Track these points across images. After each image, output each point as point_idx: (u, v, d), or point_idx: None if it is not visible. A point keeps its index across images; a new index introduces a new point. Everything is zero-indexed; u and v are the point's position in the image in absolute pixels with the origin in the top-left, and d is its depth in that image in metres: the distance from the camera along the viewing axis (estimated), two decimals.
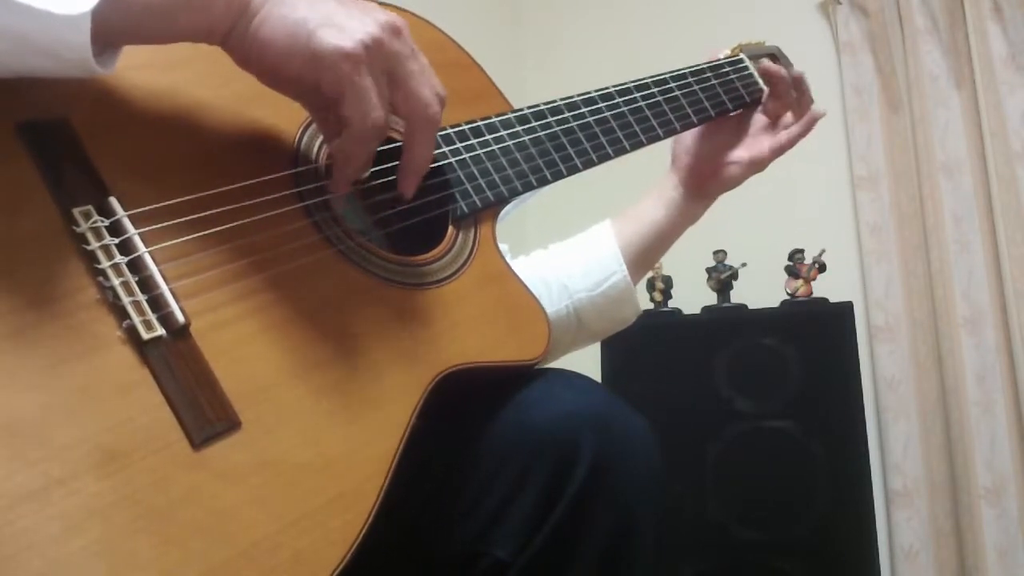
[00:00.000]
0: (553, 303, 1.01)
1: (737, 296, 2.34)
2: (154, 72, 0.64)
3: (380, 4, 0.82)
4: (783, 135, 1.01)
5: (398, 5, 0.83)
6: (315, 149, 0.72)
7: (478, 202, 0.79)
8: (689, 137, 1.04)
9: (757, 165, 1.01)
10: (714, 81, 1.02)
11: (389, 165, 0.72)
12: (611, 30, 2.99)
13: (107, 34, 0.56)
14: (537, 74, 3.01)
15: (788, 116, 1.05)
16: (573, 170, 0.87)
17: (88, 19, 0.52)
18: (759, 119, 1.04)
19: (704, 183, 1.03)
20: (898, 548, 2.35)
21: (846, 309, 2.20)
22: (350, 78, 0.60)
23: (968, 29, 2.48)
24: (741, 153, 1.02)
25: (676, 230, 1.05)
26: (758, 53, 1.10)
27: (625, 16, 2.99)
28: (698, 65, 1.03)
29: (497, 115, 0.84)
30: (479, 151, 0.81)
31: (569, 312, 1.02)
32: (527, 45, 3.12)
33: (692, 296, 2.36)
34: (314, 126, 0.72)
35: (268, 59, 0.61)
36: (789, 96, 1.03)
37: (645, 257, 1.05)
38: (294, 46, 0.60)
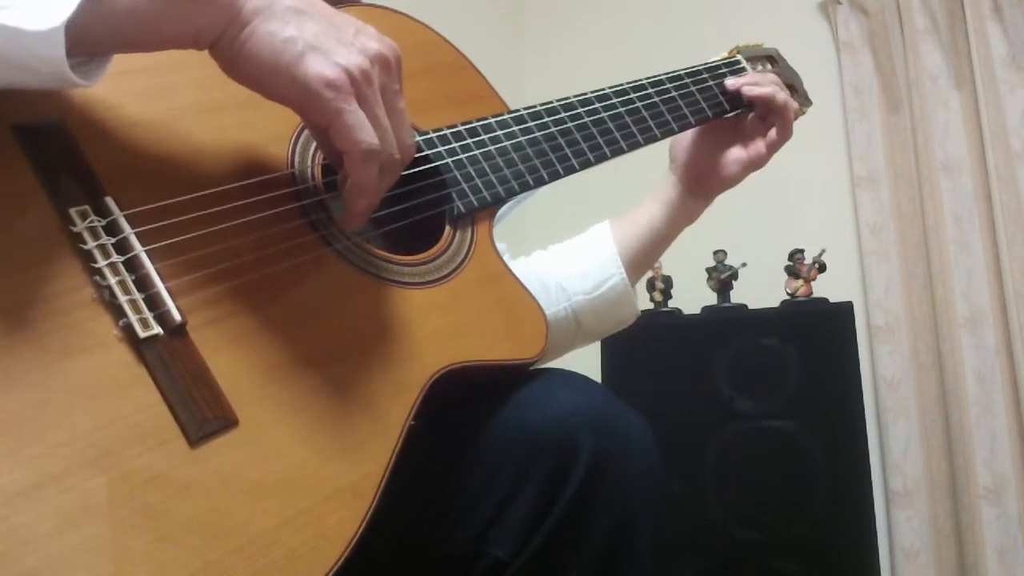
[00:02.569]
0: (551, 305, 1.01)
1: (737, 296, 2.34)
2: (150, 74, 0.64)
3: (376, 7, 0.82)
4: (773, 132, 1.01)
5: (397, 8, 0.84)
6: (311, 151, 0.72)
7: (475, 202, 0.79)
8: (687, 136, 1.03)
9: (756, 163, 1.01)
10: (711, 83, 1.02)
11: None
12: (610, 30, 2.99)
13: (91, 43, 0.55)
14: (536, 75, 3.01)
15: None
16: (570, 171, 0.87)
17: (61, 33, 0.51)
18: (756, 116, 1.04)
19: (703, 182, 1.03)
20: (898, 548, 2.35)
21: (846, 309, 2.19)
22: (335, 108, 0.59)
23: (968, 29, 2.48)
24: (739, 151, 1.01)
25: (674, 230, 1.05)
26: (756, 55, 1.10)
27: (624, 16, 2.99)
28: (696, 66, 1.03)
29: (493, 116, 0.84)
30: (475, 151, 0.81)
31: (568, 314, 1.02)
32: (526, 46, 3.12)
33: (692, 296, 2.35)
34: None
35: (251, 74, 0.59)
36: (769, 101, 1.01)
37: (644, 258, 1.05)
38: (277, 67, 0.58)
